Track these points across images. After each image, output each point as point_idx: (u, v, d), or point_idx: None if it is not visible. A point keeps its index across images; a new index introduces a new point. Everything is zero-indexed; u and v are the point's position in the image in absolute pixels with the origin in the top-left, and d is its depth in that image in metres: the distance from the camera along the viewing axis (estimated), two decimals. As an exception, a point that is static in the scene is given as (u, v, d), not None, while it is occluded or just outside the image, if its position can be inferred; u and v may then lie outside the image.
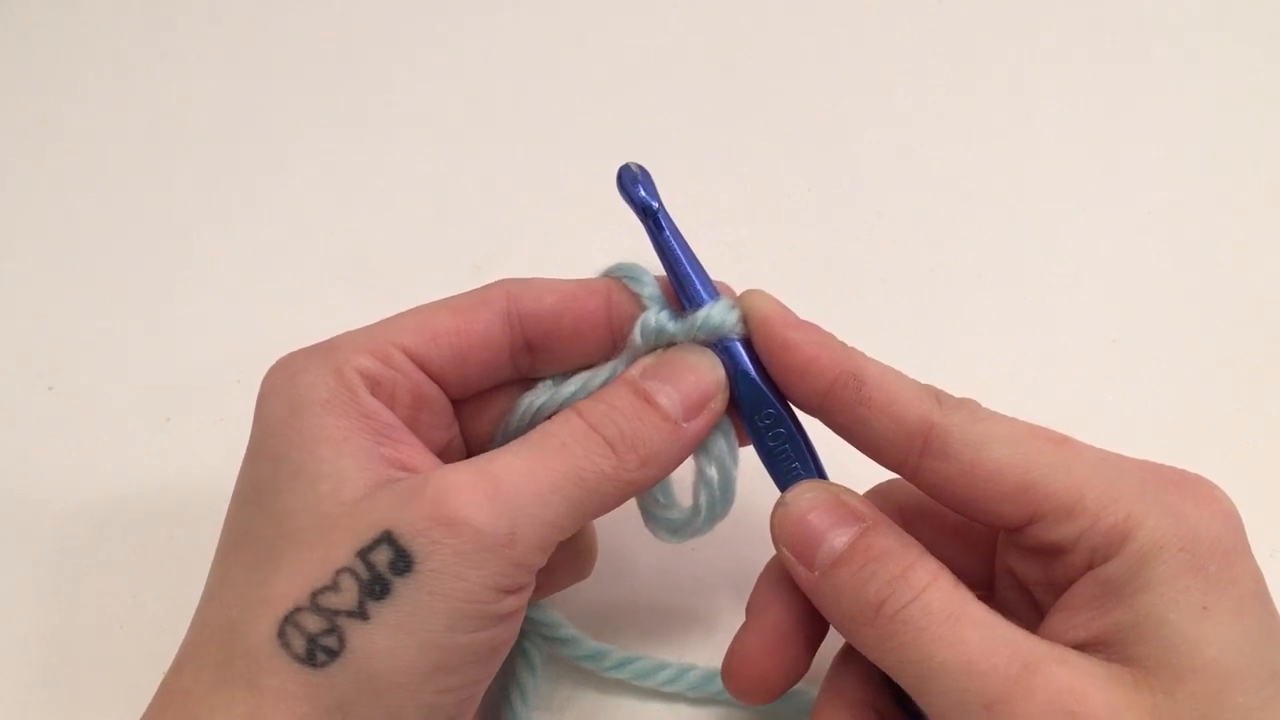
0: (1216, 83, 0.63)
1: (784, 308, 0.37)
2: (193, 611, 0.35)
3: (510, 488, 0.33)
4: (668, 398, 0.36)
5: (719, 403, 0.37)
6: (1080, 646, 0.32)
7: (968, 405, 0.35)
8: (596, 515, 0.36)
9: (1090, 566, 0.33)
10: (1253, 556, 0.33)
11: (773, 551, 0.37)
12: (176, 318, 0.56)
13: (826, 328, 0.38)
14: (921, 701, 0.32)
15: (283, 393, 0.36)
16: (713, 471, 0.38)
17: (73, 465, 0.51)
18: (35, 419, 0.53)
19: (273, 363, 0.37)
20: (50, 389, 0.54)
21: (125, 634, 0.46)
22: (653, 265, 0.39)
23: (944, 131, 0.62)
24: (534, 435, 0.35)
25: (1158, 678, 0.30)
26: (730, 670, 0.37)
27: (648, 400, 0.36)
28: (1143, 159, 0.60)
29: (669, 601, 0.47)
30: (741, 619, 0.38)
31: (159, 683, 0.34)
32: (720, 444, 0.38)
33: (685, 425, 0.36)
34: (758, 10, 0.67)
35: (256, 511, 0.35)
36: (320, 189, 0.61)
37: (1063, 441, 0.34)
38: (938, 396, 0.35)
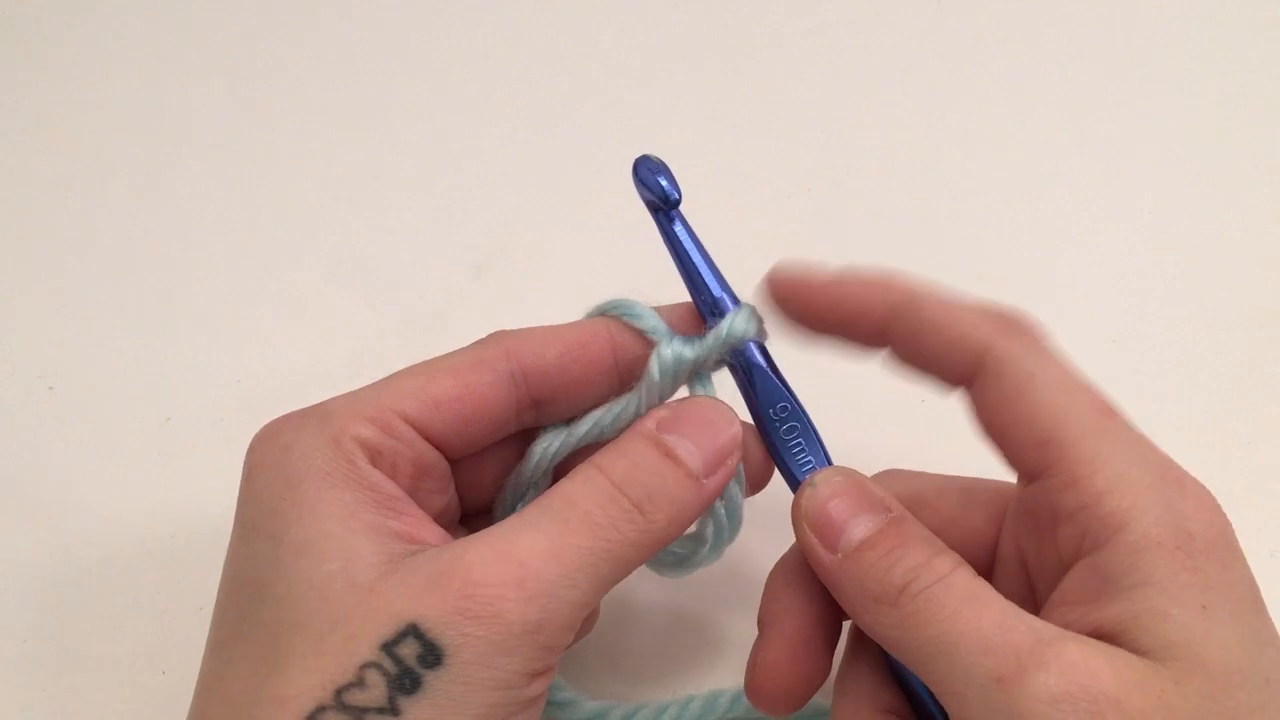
0: (1217, 82, 0.63)
1: (811, 264, 0.37)
2: (192, 609, 0.35)
3: (536, 573, 0.32)
4: (688, 453, 0.35)
5: (735, 459, 0.36)
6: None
7: (1029, 336, 0.35)
8: (620, 580, 0.34)
9: (1078, 549, 0.33)
10: (1245, 562, 0.33)
11: (763, 568, 0.36)
12: (176, 317, 0.56)
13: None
14: (932, 679, 0.32)
15: (276, 466, 0.34)
16: (719, 503, 0.38)
17: (73, 465, 0.51)
18: (35, 419, 0.53)
19: (267, 403, 0.35)
20: (50, 389, 0.54)
21: (125, 634, 0.46)
22: (644, 273, 0.38)
23: (944, 131, 0.62)
24: (556, 503, 0.34)
25: (1166, 668, 0.30)
26: (755, 685, 0.36)
27: (670, 455, 0.35)
28: (1143, 159, 0.60)
29: (657, 637, 0.46)
30: (731, 640, 0.37)
31: (157, 683, 0.34)
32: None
33: (705, 481, 0.35)
34: (758, 10, 0.67)
35: (256, 596, 0.32)
36: (320, 188, 0.61)
37: (1107, 412, 0.34)
38: (1001, 317, 0.36)
